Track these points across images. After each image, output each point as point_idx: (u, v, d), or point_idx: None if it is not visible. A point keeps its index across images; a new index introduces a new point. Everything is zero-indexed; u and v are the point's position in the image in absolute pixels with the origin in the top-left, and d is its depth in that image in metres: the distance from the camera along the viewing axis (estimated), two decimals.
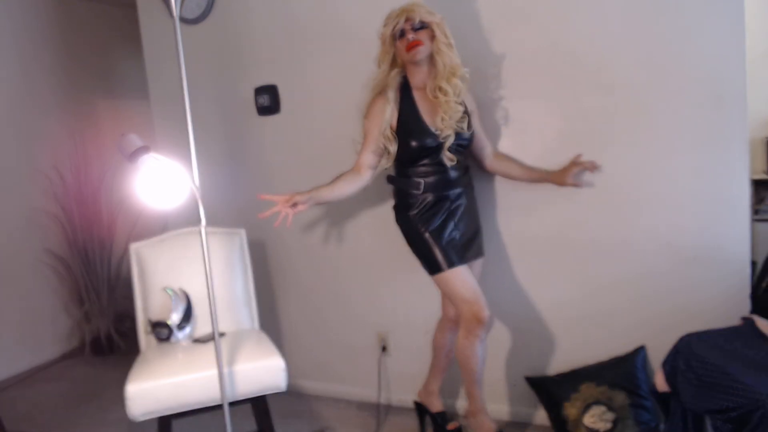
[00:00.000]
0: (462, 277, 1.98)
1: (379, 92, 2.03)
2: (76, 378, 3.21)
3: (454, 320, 2.14)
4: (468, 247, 2.06)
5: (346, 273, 2.62)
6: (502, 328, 2.36)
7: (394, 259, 2.40)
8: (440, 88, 1.96)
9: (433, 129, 1.97)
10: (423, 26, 1.91)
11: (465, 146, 2.04)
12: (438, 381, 2.28)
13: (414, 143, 1.97)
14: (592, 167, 2.05)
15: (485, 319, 1.96)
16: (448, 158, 1.98)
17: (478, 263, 2.13)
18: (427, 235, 1.99)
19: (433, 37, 1.93)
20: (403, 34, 1.92)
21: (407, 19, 1.91)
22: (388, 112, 2.00)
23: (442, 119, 1.95)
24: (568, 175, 2.06)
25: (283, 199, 1.90)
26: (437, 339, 2.25)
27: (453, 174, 2.02)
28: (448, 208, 2.01)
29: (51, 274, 3.48)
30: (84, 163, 3.52)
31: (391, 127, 2.00)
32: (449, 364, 2.26)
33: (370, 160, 2.04)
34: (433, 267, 2.00)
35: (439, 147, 1.97)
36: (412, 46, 1.92)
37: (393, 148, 2.01)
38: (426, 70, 1.99)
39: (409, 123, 1.99)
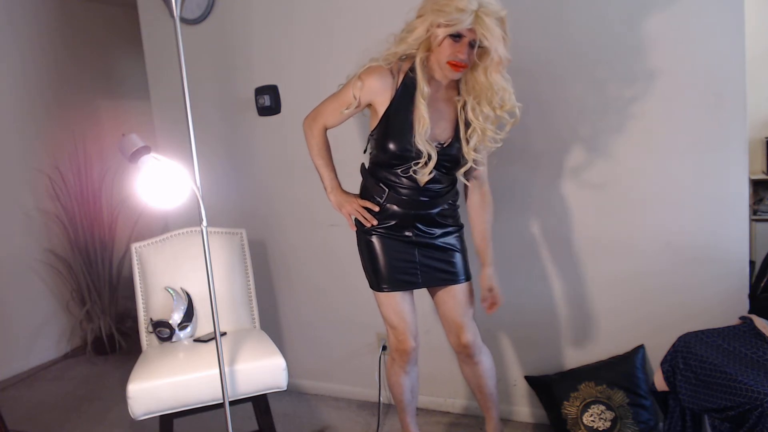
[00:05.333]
0: (394, 302, 1.86)
1: (390, 65, 1.72)
2: (78, 377, 3.21)
3: (456, 349, 1.95)
4: (429, 273, 1.84)
5: (347, 272, 2.62)
6: (502, 327, 2.36)
7: None
8: (483, 112, 1.68)
9: (418, 139, 1.69)
10: (482, 45, 1.59)
11: (455, 165, 1.77)
12: (491, 420, 2.02)
13: (392, 146, 1.71)
14: (491, 308, 1.87)
15: (407, 350, 1.88)
16: (423, 175, 1.73)
17: (452, 290, 1.87)
18: (380, 248, 1.83)
19: (484, 57, 1.61)
20: (458, 37, 1.59)
21: (472, 30, 1.57)
22: (389, 98, 1.70)
23: (473, 147, 1.72)
24: (482, 281, 1.88)
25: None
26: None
27: (431, 191, 1.78)
28: (412, 235, 1.81)
29: (52, 274, 3.48)
30: (85, 163, 3.52)
31: (372, 105, 1.75)
32: (484, 399, 2.00)
33: (332, 121, 1.83)
34: (370, 282, 1.91)
35: (418, 159, 1.71)
36: (458, 66, 1.62)
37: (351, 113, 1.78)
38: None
39: (397, 121, 1.71)
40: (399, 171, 1.76)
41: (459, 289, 1.88)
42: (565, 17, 2.09)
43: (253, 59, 2.64)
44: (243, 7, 2.61)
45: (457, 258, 1.87)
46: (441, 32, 1.59)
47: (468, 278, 1.89)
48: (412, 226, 1.81)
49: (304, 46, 2.51)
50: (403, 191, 1.78)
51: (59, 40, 3.60)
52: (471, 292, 1.90)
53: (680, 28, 1.94)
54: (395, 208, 1.80)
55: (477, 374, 1.95)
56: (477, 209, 1.88)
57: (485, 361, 1.94)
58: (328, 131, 1.89)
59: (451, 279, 1.87)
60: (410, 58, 1.71)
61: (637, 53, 2.01)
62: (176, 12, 1.63)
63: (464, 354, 1.92)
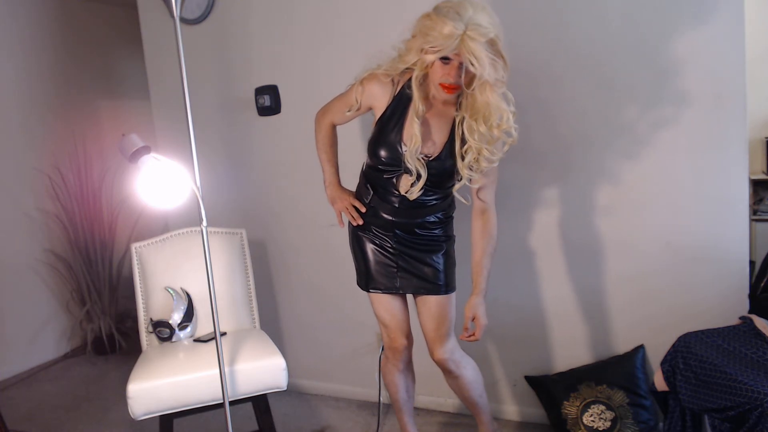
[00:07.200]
0: (384, 300, 1.89)
1: (388, 75, 1.73)
2: (78, 377, 3.22)
3: (433, 361, 1.93)
4: (408, 279, 1.84)
5: (347, 273, 2.62)
6: (503, 327, 2.36)
7: None
8: (479, 131, 1.64)
9: (403, 149, 1.70)
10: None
11: (443, 179, 1.75)
12: (481, 424, 2.01)
13: (382, 153, 1.73)
14: (470, 337, 1.79)
15: (399, 348, 1.92)
16: (404, 186, 1.75)
17: (427, 301, 1.85)
18: (366, 248, 1.87)
19: (476, 78, 1.57)
20: (447, 59, 1.56)
21: (459, 54, 1.53)
22: (384, 107, 1.73)
23: (468, 164, 1.69)
24: (467, 310, 1.79)
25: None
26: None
27: (415, 201, 1.75)
28: (392, 240, 1.82)
29: (52, 274, 3.48)
30: (85, 163, 3.52)
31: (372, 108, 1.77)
32: (471, 406, 2.00)
33: (338, 119, 1.89)
34: (358, 281, 1.94)
35: (408, 173, 1.72)
36: (449, 88, 1.60)
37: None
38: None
39: (388, 129, 1.73)
40: (385, 176, 1.78)
41: (433, 302, 1.85)
42: (564, 18, 2.09)
43: (253, 59, 2.64)
44: (243, 7, 2.61)
45: (438, 269, 1.83)
46: (430, 57, 1.58)
47: (448, 291, 1.85)
48: (391, 231, 1.83)
49: (304, 46, 2.51)
50: (387, 197, 1.80)
51: (59, 40, 3.60)
52: (449, 307, 1.86)
53: (680, 28, 1.94)
54: (378, 211, 1.83)
55: (459, 386, 1.94)
56: (477, 236, 1.82)
57: (466, 374, 1.91)
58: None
59: (427, 289, 1.84)
60: (411, 70, 1.70)
61: (637, 54, 2.01)
62: (176, 12, 1.63)
63: (441, 368, 1.92)
